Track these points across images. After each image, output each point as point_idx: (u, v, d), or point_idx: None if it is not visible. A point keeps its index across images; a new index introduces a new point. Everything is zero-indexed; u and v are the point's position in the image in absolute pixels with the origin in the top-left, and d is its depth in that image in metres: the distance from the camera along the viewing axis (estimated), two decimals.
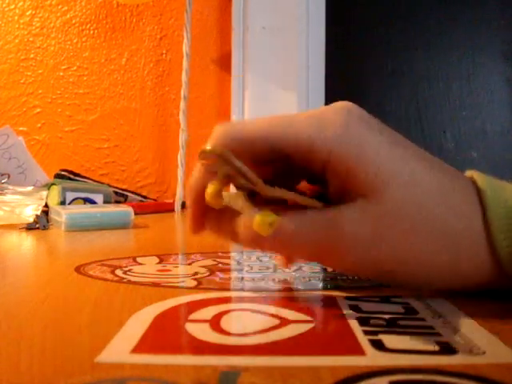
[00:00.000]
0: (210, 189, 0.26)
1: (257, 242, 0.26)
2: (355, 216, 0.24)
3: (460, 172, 0.27)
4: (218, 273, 0.34)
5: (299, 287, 0.30)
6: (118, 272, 0.34)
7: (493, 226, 0.24)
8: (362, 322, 0.23)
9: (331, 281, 0.32)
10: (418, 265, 0.25)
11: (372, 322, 0.23)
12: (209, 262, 0.38)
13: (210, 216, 0.29)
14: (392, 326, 0.22)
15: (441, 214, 0.25)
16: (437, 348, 0.20)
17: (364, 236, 0.24)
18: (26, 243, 0.52)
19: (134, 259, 0.39)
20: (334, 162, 0.25)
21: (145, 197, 0.92)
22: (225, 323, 0.23)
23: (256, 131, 0.26)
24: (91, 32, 0.99)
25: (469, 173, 0.27)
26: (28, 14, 0.99)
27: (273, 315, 0.24)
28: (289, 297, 0.28)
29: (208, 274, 0.34)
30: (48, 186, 0.72)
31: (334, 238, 0.25)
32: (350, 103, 0.27)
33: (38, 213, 0.61)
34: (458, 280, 0.26)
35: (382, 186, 0.24)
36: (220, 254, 0.42)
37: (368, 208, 0.24)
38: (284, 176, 0.28)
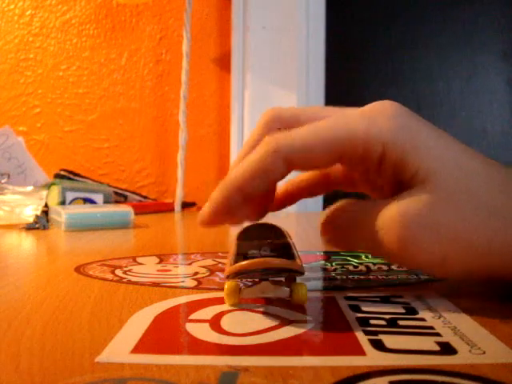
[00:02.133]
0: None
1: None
2: (412, 204, 0.24)
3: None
4: (217, 273, 0.34)
5: None
6: (118, 272, 0.34)
7: None
8: (362, 322, 0.23)
9: (331, 281, 0.32)
10: (474, 251, 0.24)
11: (372, 322, 0.23)
12: (209, 262, 0.38)
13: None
14: (392, 326, 0.22)
15: (492, 200, 0.25)
16: (437, 348, 0.20)
17: (422, 222, 0.24)
18: (25, 243, 0.52)
19: (134, 259, 0.39)
20: (389, 153, 0.25)
21: (145, 197, 0.92)
22: (225, 323, 0.23)
23: (313, 139, 0.26)
24: (91, 32, 0.99)
25: None
26: (28, 13, 0.99)
27: (272, 315, 0.24)
28: (289, 297, 0.28)
29: (208, 274, 0.34)
30: (48, 186, 0.72)
31: (395, 225, 0.25)
32: (391, 101, 0.28)
33: (38, 213, 0.61)
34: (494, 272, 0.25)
35: (435, 174, 0.25)
36: (220, 254, 0.42)
37: (423, 196, 0.24)
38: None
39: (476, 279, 0.27)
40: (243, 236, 0.32)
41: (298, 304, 0.26)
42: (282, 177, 0.27)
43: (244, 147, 0.30)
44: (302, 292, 0.26)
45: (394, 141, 0.25)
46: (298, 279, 0.27)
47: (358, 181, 0.32)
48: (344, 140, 0.26)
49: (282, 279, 0.28)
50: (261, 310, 0.25)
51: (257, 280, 0.29)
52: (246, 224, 0.33)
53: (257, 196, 0.28)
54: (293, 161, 0.26)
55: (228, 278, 0.26)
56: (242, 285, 0.28)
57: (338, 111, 0.28)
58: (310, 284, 0.31)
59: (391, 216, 0.25)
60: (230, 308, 0.26)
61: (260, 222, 0.32)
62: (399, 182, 0.26)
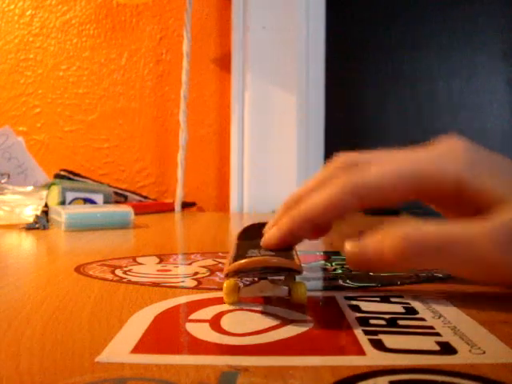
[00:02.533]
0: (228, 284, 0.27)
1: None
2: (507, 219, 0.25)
3: None
4: (217, 273, 0.34)
5: None
6: (118, 272, 0.34)
7: None
8: (362, 322, 0.23)
9: (331, 281, 0.32)
10: None
11: (372, 321, 0.23)
12: (209, 261, 0.38)
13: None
14: (392, 326, 0.22)
15: None
16: (437, 348, 0.20)
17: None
18: (25, 243, 0.52)
19: (134, 259, 0.39)
20: (466, 187, 0.27)
21: (145, 197, 0.92)
22: (225, 323, 0.23)
23: (388, 178, 0.27)
24: (91, 32, 0.99)
25: None
26: (28, 13, 0.99)
27: (273, 315, 0.24)
28: (289, 296, 0.28)
29: (208, 274, 0.34)
30: (48, 186, 0.72)
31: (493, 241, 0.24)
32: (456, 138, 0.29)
33: (38, 213, 0.61)
34: None
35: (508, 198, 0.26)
36: (220, 254, 0.42)
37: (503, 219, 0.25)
38: None
39: None
40: (243, 236, 0.32)
41: (298, 303, 0.26)
42: (354, 211, 0.28)
43: (315, 179, 0.30)
44: (302, 291, 0.26)
45: (470, 175, 0.27)
46: (298, 278, 0.27)
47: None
48: (418, 178, 0.27)
49: (282, 278, 0.28)
50: (260, 309, 0.25)
51: (256, 279, 0.30)
52: (247, 224, 0.33)
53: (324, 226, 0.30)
54: (366, 199, 0.27)
55: (227, 276, 0.26)
56: (241, 284, 0.29)
57: (406, 151, 0.29)
58: (310, 284, 0.31)
59: (486, 232, 0.24)
60: (230, 308, 0.26)
61: (260, 222, 0.32)
62: (477, 210, 0.26)
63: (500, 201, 0.26)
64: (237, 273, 0.26)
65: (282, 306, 0.26)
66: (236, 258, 0.26)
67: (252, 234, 0.31)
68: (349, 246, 0.27)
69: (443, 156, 0.27)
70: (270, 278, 0.29)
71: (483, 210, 0.26)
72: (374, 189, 0.27)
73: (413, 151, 0.29)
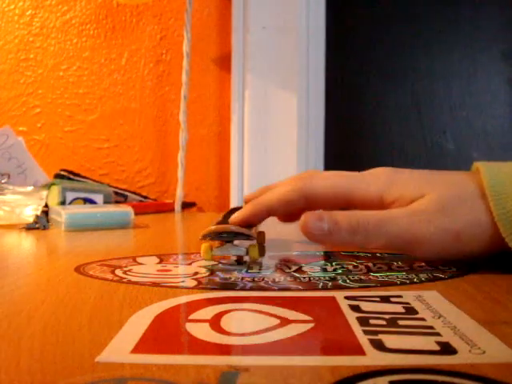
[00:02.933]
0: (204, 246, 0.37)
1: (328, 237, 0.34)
2: (426, 203, 0.34)
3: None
4: (218, 273, 0.34)
5: (299, 287, 0.30)
6: (118, 272, 0.34)
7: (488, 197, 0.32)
8: (362, 322, 0.23)
9: (331, 281, 0.32)
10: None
11: (372, 321, 0.23)
12: (209, 262, 0.38)
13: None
14: (392, 326, 0.22)
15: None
16: (437, 348, 0.20)
17: (433, 214, 0.33)
18: (25, 243, 0.52)
19: (134, 259, 0.39)
20: (384, 202, 0.37)
21: (145, 197, 0.92)
22: (225, 323, 0.23)
23: (329, 189, 0.38)
24: (91, 32, 0.99)
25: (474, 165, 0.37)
26: (28, 13, 0.99)
27: (273, 315, 0.24)
28: (289, 297, 0.28)
29: (208, 274, 0.34)
30: (48, 186, 0.72)
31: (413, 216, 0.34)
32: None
33: (38, 213, 0.61)
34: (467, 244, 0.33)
35: (430, 190, 0.34)
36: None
37: (427, 198, 0.34)
38: None
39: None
40: (227, 215, 0.41)
41: (254, 259, 0.36)
42: (301, 209, 0.37)
43: (281, 182, 0.42)
44: (254, 250, 0.36)
45: (387, 189, 0.36)
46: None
47: None
48: (349, 193, 0.37)
49: (244, 244, 0.37)
50: (260, 309, 0.25)
51: (224, 242, 0.37)
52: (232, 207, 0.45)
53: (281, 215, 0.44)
54: (310, 199, 0.38)
55: (202, 238, 0.36)
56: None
57: (352, 173, 0.39)
58: (311, 284, 0.31)
59: (408, 215, 0.34)
60: (230, 308, 0.26)
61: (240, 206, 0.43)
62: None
63: (413, 200, 0.35)
64: (207, 236, 0.36)
65: (282, 306, 0.26)
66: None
67: (233, 214, 0.40)
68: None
69: (369, 178, 0.37)
70: (235, 243, 0.36)
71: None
72: (316, 193, 0.37)
73: (354, 174, 0.38)
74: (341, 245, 0.34)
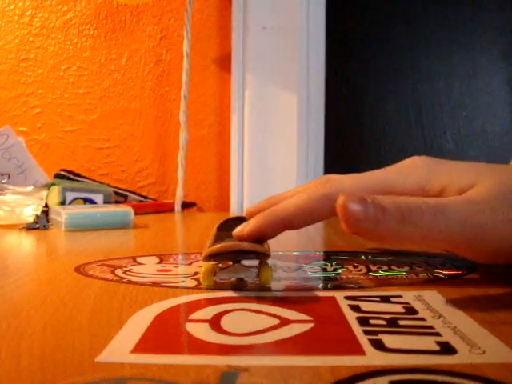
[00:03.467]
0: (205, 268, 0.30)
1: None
2: (483, 192, 0.28)
3: None
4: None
5: (299, 287, 0.30)
6: (118, 272, 0.34)
7: None
8: (362, 322, 0.23)
9: (331, 281, 0.32)
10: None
11: (372, 321, 0.23)
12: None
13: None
14: (392, 326, 0.22)
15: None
16: (437, 348, 0.20)
17: (494, 204, 0.28)
18: (25, 243, 0.52)
19: (134, 259, 0.39)
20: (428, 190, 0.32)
21: (145, 197, 0.92)
22: (225, 323, 0.23)
23: (361, 188, 0.32)
24: (91, 32, 0.99)
25: None
26: (28, 13, 0.99)
27: (273, 315, 0.24)
28: (289, 297, 0.28)
29: None
30: (48, 186, 0.72)
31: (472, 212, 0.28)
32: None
33: (38, 213, 0.61)
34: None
35: (481, 179, 0.29)
36: None
37: (484, 187, 0.29)
38: None
39: None
40: (222, 227, 0.36)
41: (264, 284, 0.30)
42: (326, 218, 0.32)
43: (293, 189, 0.36)
44: (267, 274, 0.30)
45: (429, 177, 0.31)
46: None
47: None
48: (384, 188, 0.32)
49: (255, 264, 0.30)
50: (260, 309, 0.25)
51: (231, 263, 0.31)
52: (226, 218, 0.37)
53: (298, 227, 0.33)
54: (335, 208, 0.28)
55: (205, 260, 0.29)
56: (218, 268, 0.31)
57: (378, 170, 0.34)
58: (311, 284, 0.31)
59: (466, 204, 0.28)
60: (230, 308, 0.26)
61: (239, 216, 0.36)
62: None
63: (464, 190, 0.29)
64: (213, 256, 0.29)
65: (282, 306, 0.26)
66: (213, 244, 0.29)
67: (230, 226, 0.34)
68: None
69: (405, 169, 0.33)
70: (242, 262, 0.31)
71: None
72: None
73: (385, 169, 0.33)
74: (384, 237, 0.27)
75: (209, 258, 0.29)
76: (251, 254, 0.29)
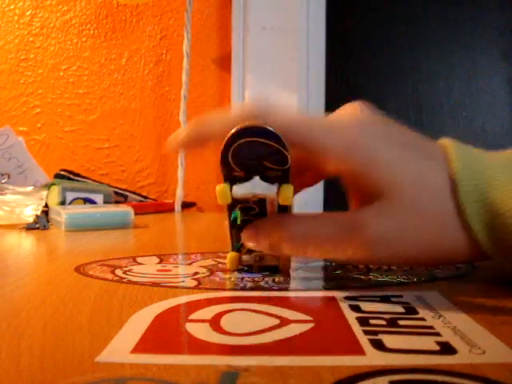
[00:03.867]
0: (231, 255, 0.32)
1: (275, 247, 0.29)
2: (376, 218, 0.28)
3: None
4: (218, 273, 0.34)
5: (299, 287, 0.30)
6: (118, 272, 0.34)
7: (465, 213, 0.27)
8: (362, 322, 0.23)
9: (331, 281, 0.32)
10: (420, 250, 0.28)
11: (372, 321, 0.23)
12: (209, 262, 0.38)
13: None
14: (392, 326, 0.22)
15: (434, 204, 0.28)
16: (437, 348, 0.20)
17: (384, 234, 0.27)
18: (25, 243, 0.52)
19: (134, 259, 0.39)
20: (345, 171, 0.29)
21: (145, 197, 0.92)
22: (225, 323, 0.23)
23: (282, 125, 0.28)
24: (91, 32, 0.99)
25: (443, 142, 0.30)
26: (28, 13, 0.99)
27: (273, 315, 0.24)
28: (289, 297, 0.28)
29: (208, 274, 0.34)
30: (48, 186, 0.72)
31: (355, 238, 0.27)
32: (360, 107, 0.31)
33: (38, 213, 0.61)
34: (443, 258, 0.29)
35: (392, 188, 0.28)
36: (220, 253, 0.42)
37: (384, 209, 0.28)
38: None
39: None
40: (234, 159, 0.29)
41: (284, 204, 0.28)
42: None
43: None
44: (288, 192, 0.27)
45: (350, 163, 0.28)
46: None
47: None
48: (306, 139, 0.28)
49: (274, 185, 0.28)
50: (260, 309, 0.25)
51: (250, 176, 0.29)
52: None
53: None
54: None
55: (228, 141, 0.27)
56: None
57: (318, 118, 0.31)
58: (311, 284, 0.31)
59: (362, 234, 0.27)
60: (230, 308, 0.26)
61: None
62: (358, 192, 0.30)
63: (381, 192, 0.28)
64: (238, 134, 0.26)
65: (282, 306, 0.26)
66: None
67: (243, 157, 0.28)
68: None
69: (332, 129, 0.29)
70: (259, 190, 0.28)
71: (364, 192, 0.29)
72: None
73: (316, 120, 0.30)
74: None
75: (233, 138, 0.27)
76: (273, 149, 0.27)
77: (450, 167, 0.28)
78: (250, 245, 0.30)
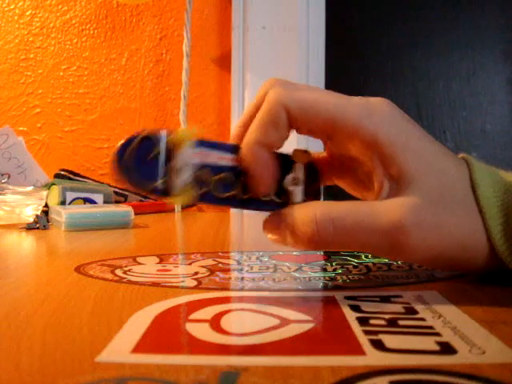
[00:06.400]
0: None
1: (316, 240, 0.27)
2: (407, 208, 0.26)
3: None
4: (218, 273, 0.34)
5: (299, 287, 0.30)
6: (118, 272, 0.34)
7: (490, 228, 0.27)
8: (362, 322, 0.23)
9: (331, 281, 0.32)
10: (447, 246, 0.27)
11: (372, 321, 0.23)
12: (209, 262, 0.38)
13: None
14: (392, 326, 0.22)
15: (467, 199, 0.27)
16: (437, 348, 0.20)
17: (416, 224, 0.26)
18: (26, 243, 0.52)
19: (134, 259, 0.39)
20: (378, 146, 0.27)
21: (145, 197, 0.92)
22: (225, 323, 0.23)
23: (312, 102, 0.28)
24: (91, 32, 0.99)
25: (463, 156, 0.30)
26: (28, 13, 0.99)
27: (273, 315, 0.24)
28: (289, 297, 0.28)
29: (208, 274, 0.34)
30: (48, 186, 0.72)
31: (386, 229, 0.26)
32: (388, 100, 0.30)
33: (38, 213, 0.61)
34: (468, 264, 0.28)
35: (420, 174, 0.27)
36: (220, 253, 0.42)
37: (415, 199, 0.27)
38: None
39: (459, 270, 0.30)
40: None
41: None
42: (288, 131, 0.29)
43: (249, 107, 0.31)
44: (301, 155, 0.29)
45: (386, 135, 0.27)
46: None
47: (343, 171, 0.33)
48: (337, 114, 0.28)
49: None
50: (260, 309, 0.25)
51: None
52: None
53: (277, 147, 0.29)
54: (293, 115, 0.28)
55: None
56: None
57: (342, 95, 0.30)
58: (311, 284, 0.31)
59: (390, 221, 0.26)
60: (230, 308, 0.26)
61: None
62: (384, 175, 0.28)
63: (408, 179, 0.27)
64: None
65: (282, 306, 0.26)
66: None
67: None
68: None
69: (370, 110, 0.28)
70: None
71: (391, 179, 0.28)
72: (298, 106, 0.28)
73: (349, 98, 0.29)
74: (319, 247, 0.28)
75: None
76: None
77: (470, 170, 0.28)
78: (271, 237, 0.28)
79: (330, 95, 0.29)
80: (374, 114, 0.28)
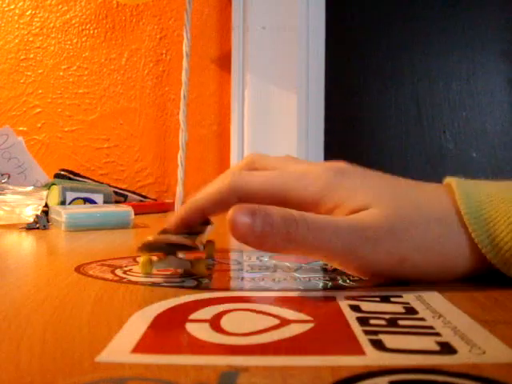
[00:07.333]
0: (143, 259, 0.33)
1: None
2: (368, 218, 0.29)
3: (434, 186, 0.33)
4: (218, 273, 0.34)
5: (299, 287, 0.30)
6: (118, 272, 0.34)
7: (470, 229, 0.29)
8: (362, 322, 0.23)
9: (331, 281, 0.32)
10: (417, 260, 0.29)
11: (372, 321, 0.23)
12: (209, 262, 0.38)
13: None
14: (392, 326, 0.22)
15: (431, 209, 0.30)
16: (437, 348, 0.20)
17: (379, 233, 0.29)
18: (26, 243, 0.52)
19: (134, 259, 0.39)
20: (325, 210, 0.31)
21: (145, 197, 0.92)
22: (225, 323, 0.23)
23: (259, 189, 0.33)
24: (91, 32, 0.99)
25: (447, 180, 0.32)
26: (28, 13, 0.99)
27: (273, 315, 0.24)
28: (289, 297, 0.28)
29: (208, 273, 0.34)
30: (48, 186, 0.72)
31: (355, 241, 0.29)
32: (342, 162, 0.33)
33: (38, 213, 0.61)
34: (448, 273, 0.30)
35: (378, 200, 0.30)
36: (220, 253, 0.42)
37: (376, 212, 0.29)
38: None
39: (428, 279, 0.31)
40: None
41: (200, 275, 0.32)
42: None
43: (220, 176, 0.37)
44: (200, 265, 0.32)
45: (327, 194, 0.31)
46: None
47: None
48: (282, 193, 0.32)
49: (184, 256, 0.33)
50: (260, 309, 0.25)
51: (166, 255, 0.33)
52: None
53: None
54: (244, 199, 0.32)
55: (139, 250, 0.32)
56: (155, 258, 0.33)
57: (290, 172, 0.33)
58: (311, 284, 0.31)
59: (351, 228, 0.29)
60: (230, 308, 0.26)
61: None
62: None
63: (355, 210, 0.30)
64: (145, 248, 0.32)
65: (282, 306, 0.26)
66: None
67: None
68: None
69: (309, 178, 0.32)
70: (179, 256, 0.33)
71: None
72: (248, 192, 0.33)
73: (294, 171, 0.33)
74: (271, 250, 0.29)
75: (141, 249, 0.32)
76: (181, 246, 0.31)
77: (445, 185, 0.31)
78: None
79: (274, 175, 0.33)
80: (313, 180, 0.32)
